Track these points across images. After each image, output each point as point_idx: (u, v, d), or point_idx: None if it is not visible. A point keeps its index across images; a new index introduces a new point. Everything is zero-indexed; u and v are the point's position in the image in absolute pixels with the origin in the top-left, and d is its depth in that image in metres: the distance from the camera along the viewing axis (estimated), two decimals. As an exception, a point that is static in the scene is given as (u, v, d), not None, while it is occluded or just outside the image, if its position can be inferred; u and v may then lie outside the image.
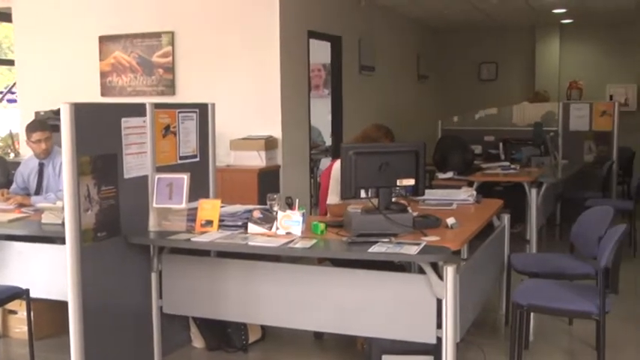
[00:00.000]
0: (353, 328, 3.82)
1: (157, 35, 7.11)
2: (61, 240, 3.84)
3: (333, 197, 4.59)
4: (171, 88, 7.10)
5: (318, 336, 4.81)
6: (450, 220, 3.94)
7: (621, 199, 9.01)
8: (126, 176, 4.04)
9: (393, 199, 3.95)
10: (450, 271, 3.43)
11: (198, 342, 4.69)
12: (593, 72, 12.00)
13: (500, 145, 8.55)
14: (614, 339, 4.74)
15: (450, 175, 7.00)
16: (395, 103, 10.08)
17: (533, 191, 6.36)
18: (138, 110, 4.19)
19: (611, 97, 11.14)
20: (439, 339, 3.54)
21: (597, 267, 3.80)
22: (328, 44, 8.16)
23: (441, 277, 3.46)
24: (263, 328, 4.75)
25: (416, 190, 3.92)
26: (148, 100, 4.46)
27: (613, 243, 3.72)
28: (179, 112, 4.55)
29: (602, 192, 8.13)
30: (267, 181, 6.42)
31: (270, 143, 6.58)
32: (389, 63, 9.84)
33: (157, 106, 4.35)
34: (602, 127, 9.03)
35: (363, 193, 3.85)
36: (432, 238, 3.64)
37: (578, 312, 3.97)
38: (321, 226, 3.91)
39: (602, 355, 3.84)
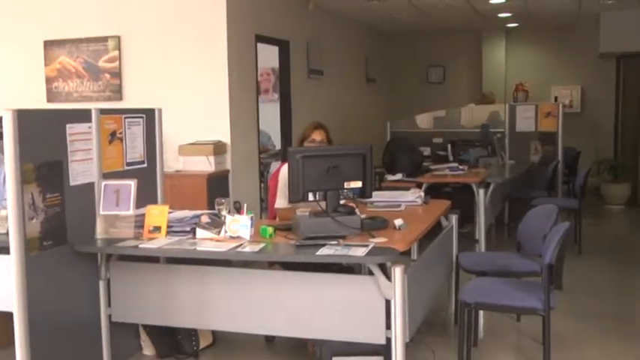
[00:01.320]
0: (303, 330, 3.83)
1: (103, 40, 7.03)
2: (5, 250, 3.77)
3: (280, 201, 4.61)
4: (118, 93, 7.02)
5: (269, 340, 4.81)
6: (398, 222, 3.98)
7: (567, 198, 9.20)
8: (72, 183, 3.99)
9: (341, 202, 3.97)
10: (397, 272, 3.46)
11: (148, 350, 4.64)
12: (538, 74, 12.23)
13: (449, 146, 8.66)
14: (560, 334, 4.85)
15: (399, 176, 7.07)
16: (344, 107, 10.13)
17: (481, 192, 6.46)
18: (83, 116, 4.14)
19: (556, 99, 11.37)
20: (388, 339, 3.57)
21: (542, 264, 3.87)
22: (277, 48, 8.16)
23: (389, 278, 3.49)
24: (214, 333, 4.73)
25: (363, 192, 3.96)
26: (94, 106, 4.41)
27: (556, 240, 3.80)
28: (125, 118, 4.51)
29: (548, 191, 8.29)
30: (217, 186, 6.39)
31: (218, 148, 6.55)
32: (337, 66, 9.89)
33: (103, 111, 4.31)
34: (547, 128, 9.22)
35: (310, 196, 3.87)
36: (379, 240, 3.67)
37: (523, 308, 4.05)
38: (270, 229, 3.91)
39: (548, 349, 3.91)
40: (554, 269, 3.82)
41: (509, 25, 11.96)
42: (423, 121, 9.97)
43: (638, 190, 10.77)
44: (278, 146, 8.96)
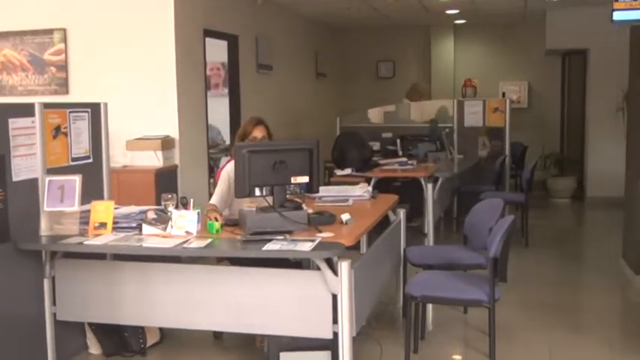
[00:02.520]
0: (251, 326, 3.82)
1: (49, 32, 6.89)
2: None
3: (215, 198, 4.59)
4: (64, 87, 6.89)
5: (217, 336, 4.79)
6: (345, 216, 4.00)
7: (514, 192, 9.36)
8: (15, 179, 3.92)
9: (288, 197, 3.97)
10: (344, 267, 3.47)
11: (94, 348, 4.58)
12: (486, 70, 12.41)
13: (398, 141, 8.72)
14: (506, 325, 4.94)
15: (348, 171, 7.08)
16: (294, 101, 10.13)
17: (429, 186, 6.52)
18: (26, 110, 4.07)
19: (503, 95, 11.54)
20: (335, 334, 3.58)
21: (487, 257, 3.93)
22: (226, 43, 8.11)
23: (335, 272, 3.50)
24: (161, 330, 4.69)
25: (310, 187, 3.96)
26: (39, 100, 4.32)
27: (501, 234, 3.86)
28: (70, 112, 4.44)
29: (495, 185, 8.42)
30: (165, 182, 6.33)
31: (167, 143, 6.49)
32: (287, 61, 9.88)
33: (47, 105, 4.24)
34: (495, 123, 9.36)
35: (257, 192, 3.86)
36: (326, 235, 3.68)
37: (469, 301, 4.11)
38: (217, 225, 3.90)
39: (493, 340, 3.98)
40: (498, 262, 3.88)
41: (458, 21, 12.09)
42: (374, 115, 10.01)
43: (584, 184, 11.00)
44: (228, 141, 8.91)
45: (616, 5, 5.79)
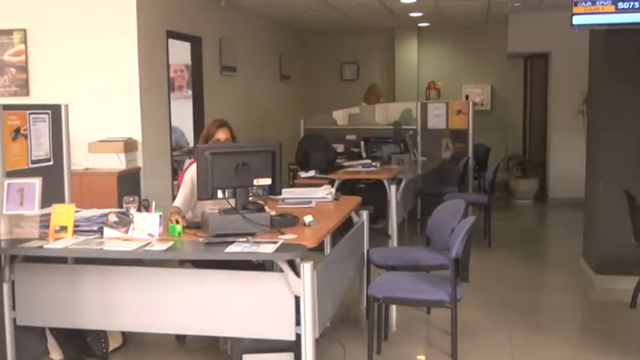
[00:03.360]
0: (214, 329, 3.81)
1: (8, 33, 6.79)
2: None
3: (179, 200, 4.57)
4: (24, 88, 6.80)
5: (180, 339, 4.76)
6: (308, 218, 4.00)
7: (477, 193, 9.45)
8: (-28, 182, 3.85)
9: (251, 199, 3.97)
10: (306, 268, 3.47)
11: (55, 353, 4.51)
12: (450, 73, 12.51)
13: (362, 143, 8.75)
14: (468, 324, 5.00)
15: (312, 173, 7.10)
16: (258, 104, 10.11)
17: (393, 188, 6.55)
18: (-17, 112, 4.00)
19: (467, 97, 11.62)
20: (298, 335, 3.58)
21: (449, 258, 3.96)
22: (189, 44, 8.07)
23: (298, 274, 3.50)
24: (123, 334, 4.64)
25: (273, 189, 3.96)
26: (-1, 102, 4.26)
27: (463, 235, 3.89)
28: (30, 114, 4.37)
29: (459, 187, 8.49)
30: (128, 184, 6.28)
31: (129, 145, 6.44)
32: (251, 63, 9.86)
33: (6, 107, 4.17)
34: (458, 126, 9.43)
35: (220, 194, 3.85)
36: (289, 237, 3.68)
37: (431, 301, 4.15)
38: (179, 227, 3.87)
39: (455, 340, 4.02)
40: (460, 262, 3.91)
41: (421, 24, 12.16)
42: (338, 118, 10.03)
43: (546, 185, 11.15)
44: (192, 143, 8.87)
45: (575, 10, 5.87)
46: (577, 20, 5.90)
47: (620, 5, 5.78)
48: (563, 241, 8.33)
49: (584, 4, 5.85)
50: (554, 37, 9.68)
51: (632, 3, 5.75)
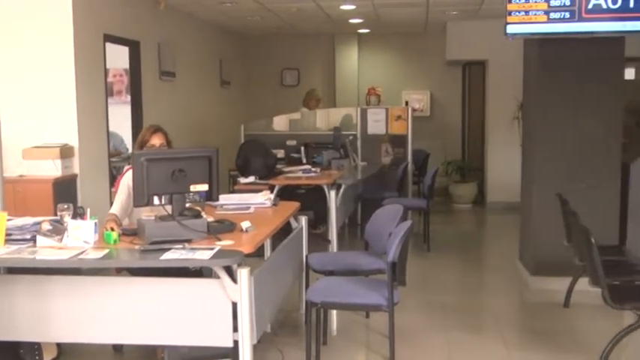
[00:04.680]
0: (151, 337, 3.76)
1: (-63, 36, 6.61)
2: None
3: (115, 206, 4.51)
4: (-45, 93, 6.62)
5: (117, 348, 4.68)
6: (245, 224, 4.00)
7: (416, 198, 9.56)
8: None
9: (188, 205, 3.94)
10: (243, 274, 3.46)
11: (-14, 365, 4.41)
12: (390, 79, 12.63)
13: (302, 149, 8.77)
14: (407, 328, 5.06)
15: (252, 179, 7.08)
16: (198, 109, 10.05)
17: (332, 193, 6.59)
18: None
19: (406, 103, 11.76)
20: (236, 342, 3.57)
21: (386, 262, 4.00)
22: (127, 48, 7.97)
23: (235, 280, 3.49)
24: (59, 345, 4.54)
25: (210, 196, 3.93)
26: None
27: (399, 239, 3.93)
28: (-41, 120, 4.27)
29: (398, 192, 8.58)
30: (64, 192, 6.16)
31: (66, 151, 6.32)
32: (191, 68, 9.79)
33: None
34: (397, 131, 9.54)
35: (156, 200, 3.81)
36: (226, 243, 3.67)
37: (368, 305, 4.18)
38: (114, 235, 3.82)
39: (392, 343, 4.06)
40: (397, 266, 3.95)
41: (361, 30, 12.26)
42: (279, 123, 10.04)
43: (484, 190, 11.34)
44: (131, 149, 8.75)
45: (509, 19, 6.00)
46: (511, 29, 6.03)
47: (552, 15, 5.93)
48: (500, 244, 8.48)
49: (517, 14, 5.98)
50: (490, 45, 9.86)
51: (563, 13, 5.91)
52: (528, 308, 6.07)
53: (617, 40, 6.09)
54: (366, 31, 12.26)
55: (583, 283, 5.05)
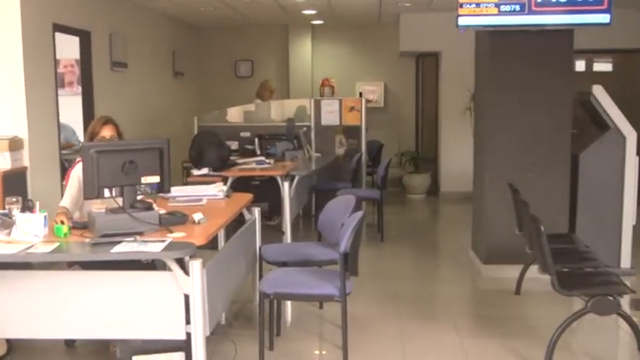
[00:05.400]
0: (103, 332, 3.71)
1: None
2: None
3: (65, 200, 4.45)
4: None
5: (69, 344, 4.63)
6: (197, 216, 3.98)
7: (370, 189, 9.62)
8: None
9: (140, 197, 3.90)
10: (195, 266, 3.45)
11: None
12: (344, 70, 12.65)
13: (256, 140, 8.75)
14: (360, 317, 5.11)
15: (205, 171, 7.03)
16: (150, 100, 9.94)
17: (286, 184, 6.58)
18: None
19: (360, 94, 11.80)
20: (189, 334, 3.56)
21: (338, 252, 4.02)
22: (77, 38, 7.85)
23: (187, 272, 3.47)
24: (9, 341, 4.47)
25: (162, 187, 3.91)
26: None
27: (351, 229, 3.95)
28: None
29: (352, 182, 8.62)
30: (14, 185, 6.04)
31: (15, 143, 6.20)
32: (143, 59, 9.68)
33: None
34: (351, 122, 9.57)
35: (107, 193, 3.76)
36: (177, 235, 3.65)
37: (321, 296, 4.21)
38: (65, 228, 3.77)
39: (345, 333, 4.08)
40: (349, 256, 3.97)
41: (315, 22, 12.25)
42: (234, 115, 9.99)
43: (438, 180, 11.46)
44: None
45: (460, 11, 6.07)
46: (462, 21, 6.10)
47: (503, 8, 6.02)
48: (453, 234, 8.58)
49: (468, 6, 6.05)
50: (443, 37, 9.93)
51: (513, 6, 6.00)
52: (480, 296, 6.17)
53: (566, 32, 6.20)
54: (320, 22, 12.26)
55: (533, 270, 5.15)
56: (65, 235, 3.76)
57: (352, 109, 9.52)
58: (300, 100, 10.26)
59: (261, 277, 4.92)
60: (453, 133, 11.00)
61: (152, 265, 4.13)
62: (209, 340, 3.67)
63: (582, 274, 4.71)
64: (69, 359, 4.60)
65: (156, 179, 3.85)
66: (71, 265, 4.21)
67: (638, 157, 6.30)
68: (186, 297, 3.51)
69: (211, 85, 12.58)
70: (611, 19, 6.01)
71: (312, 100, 9.69)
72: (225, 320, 5.06)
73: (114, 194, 3.78)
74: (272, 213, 8.05)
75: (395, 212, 9.82)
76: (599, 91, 6.32)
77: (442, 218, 10.46)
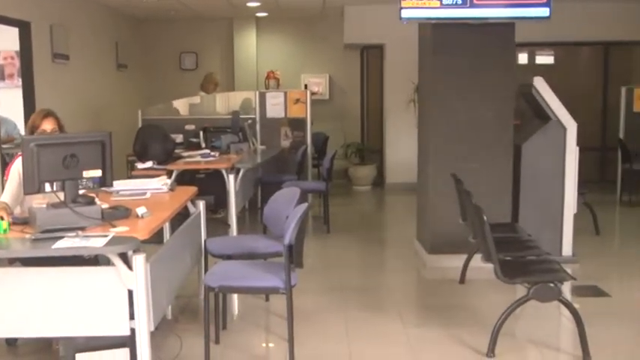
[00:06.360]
0: (45, 329, 3.63)
1: None
2: None
3: (5, 195, 4.36)
4: None
5: (11, 342, 4.53)
6: (141, 210, 3.93)
7: (316, 181, 9.64)
8: None
9: (83, 192, 3.84)
10: (139, 261, 3.41)
11: None
12: (289, 63, 12.63)
13: (201, 133, 8.69)
14: (306, 309, 5.14)
15: (150, 164, 6.96)
16: (93, 93, 9.79)
17: (231, 177, 6.54)
18: None
19: (305, 87, 11.81)
20: (133, 330, 3.52)
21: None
22: (17, 29, 7.67)
23: (131, 267, 3.43)
24: (-54, 341, 4.37)
25: (104, 181, 3.84)
26: None
27: (295, 221, 3.95)
28: None
29: (298, 175, 8.63)
30: (-50, 180, 5.90)
31: (-50, 138, 6.06)
32: (85, 51, 9.52)
33: None
34: (296, 114, 9.57)
35: (48, 187, 3.69)
36: (120, 229, 3.60)
37: (265, 288, 4.21)
38: (4, 224, 3.68)
39: (291, 324, 4.09)
40: (294, 249, 3.97)
41: (259, 14, 12.20)
42: (179, 107, 9.90)
43: (383, 172, 11.55)
44: (25, 135, 8.44)
45: (403, 4, 6.11)
46: (405, 14, 6.15)
47: (445, 1, 6.10)
48: (399, 225, 8.67)
49: (411, -2, 6.11)
50: (388, 29, 9.99)
51: (455, -1, 6.08)
52: (425, 285, 6.25)
53: (507, 25, 6.30)
54: (265, 14, 12.21)
55: (477, 259, 5.24)
56: (5, 231, 3.67)
57: (297, 101, 9.52)
58: (245, 93, 10.22)
59: (206, 270, 4.90)
60: (397, 124, 11.09)
61: (95, 260, 4.08)
62: (154, 336, 3.63)
63: (524, 262, 4.80)
64: (11, 359, 4.50)
65: (98, 173, 3.78)
66: (12, 262, 4.11)
67: (578, 148, 6.44)
68: (130, 292, 3.46)
69: (156, 77, 12.44)
70: (550, 12, 6.13)
71: (257, 93, 9.67)
72: (172, 315, 5.03)
73: (55, 189, 3.70)
74: (218, 206, 7.99)
75: (341, 204, 9.87)
76: (540, 83, 6.44)
77: (388, 209, 10.55)
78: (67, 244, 3.38)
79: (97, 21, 10.25)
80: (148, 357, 3.52)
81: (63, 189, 3.72)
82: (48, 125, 4.49)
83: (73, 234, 3.53)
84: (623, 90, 10.20)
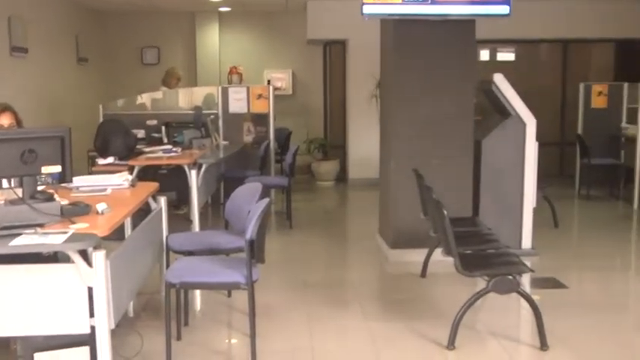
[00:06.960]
0: (2, 329, 3.58)
1: None
2: None
3: None
4: None
5: (-33, 341, 4.46)
6: (101, 206, 3.89)
7: (279, 176, 9.63)
8: None
9: (42, 188, 3.79)
10: (98, 258, 3.38)
11: None
12: (251, 58, 12.59)
13: (163, 128, 8.62)
14: (268, 304, 5.14)
15: (111, 160, 6.89)
16: (53, 87, 9.66)
17: (193, 172, 6.53)
18: None
19: (268, 82, 11.78)
20: (93, 328, 3.49)
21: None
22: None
23: (91, 264, 3.40)
24: None
25: (63, 177, 3.80)
26: None
27: (256, 217, 3.96)
28: None
29: (260, 170, 8.62)
30: None
31: None
32: (45, 45, 9.39)
33: None
34: (259, 110, 9.55)
35: (5, 183, 3.64)
36: (80, 226, 3.56)
37: (227, 284, 4.21)
38: (-40, 221, 3.63)
39: (253, 320, 4.09)
40: (255, 244, 3.97)
41: (222, 9, 12.14)
42: (140, 102, 9.80)
43: (346, 167, 11.59)
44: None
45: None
46: (367, 9, 6.17)
47: (407, -3, 6.13)
48: (361, 220, 8.70)
49: (374, -7, 6.13)
50: (350, 24, 9.99)
51: (417, -5, 6.12)
52: (387, 280, 6.29)
53: (468, 22, 6.36)
54: (227, 9, 12.15)
55: (438, 253, 5.28)
56: (-39, 228, 3.62)
57: (260, 96, 9.50)
58: (207, 88, 10.15)
59: (168, 267, 4.88)
60: (360, 120, 11.13)
61: (54, 257, 4.03)
62: (115, 333, 3.61)
63: (484, 256, 4.87)
64: (-34, 358, 4.44)
65: (57, 169, 3.74)
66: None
67: (537, 143, 6.53)
68: (90, 289, 3.43)
69: (117, 71, 12.31)
70: (510, 10, 6.20)
71: (220, 88, 9.62)
72: (133, 312, 5.00)
73: (13, 185, 3.66)
74: (180, 202, 7.96)
75: (304, 199, 9.89)
76: (499, 80, 6.52)
77: (350, 204, 10.59)
78: (25, 241, 3.34)
79: (57, 13, 10.11)
80: (109, 355, 3.50)
81: (21, 185, 3.68)
82: (5, 120, 4.44)
83: (32, 231, 3.48)
84: (582, 86, 10.37)
